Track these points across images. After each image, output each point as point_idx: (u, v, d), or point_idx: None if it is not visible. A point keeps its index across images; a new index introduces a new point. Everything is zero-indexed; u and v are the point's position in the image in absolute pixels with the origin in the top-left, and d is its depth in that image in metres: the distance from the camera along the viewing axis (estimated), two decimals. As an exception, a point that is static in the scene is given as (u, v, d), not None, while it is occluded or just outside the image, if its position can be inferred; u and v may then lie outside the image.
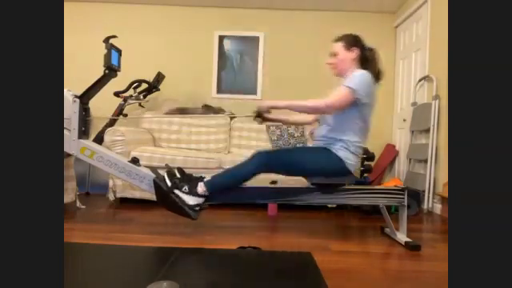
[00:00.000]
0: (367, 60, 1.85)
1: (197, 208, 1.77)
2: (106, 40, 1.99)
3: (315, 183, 1.84)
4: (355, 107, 1.74)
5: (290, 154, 1.81)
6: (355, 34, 1.87)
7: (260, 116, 1.85)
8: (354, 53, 1.83)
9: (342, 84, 1.73)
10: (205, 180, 1.80)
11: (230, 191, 1.83)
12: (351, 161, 1.77)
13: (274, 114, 1.91)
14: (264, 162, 1.74)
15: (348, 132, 1.77)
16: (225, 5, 3.92)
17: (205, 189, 1.77)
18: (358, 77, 1.71)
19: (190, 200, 1.75)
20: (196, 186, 1.78)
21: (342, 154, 1.75)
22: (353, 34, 1.87)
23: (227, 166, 2.69)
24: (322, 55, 3.94)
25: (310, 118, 2.08)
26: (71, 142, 1.95)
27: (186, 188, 1.76)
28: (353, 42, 1.83)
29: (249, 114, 1.90)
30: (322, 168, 1.77)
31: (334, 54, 1.86)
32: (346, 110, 1.74)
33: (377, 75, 1.82)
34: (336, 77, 1.92)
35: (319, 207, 2.80)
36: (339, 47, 1.84)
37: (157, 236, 1.85)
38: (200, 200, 1.78)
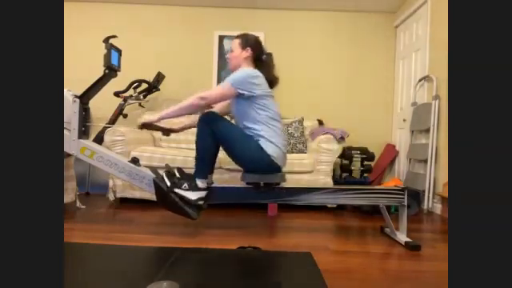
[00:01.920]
0: (261, 62, 1.94)
1: (200, 202, 1.79)
2: (106, 40, 1.99)
3: (249, 183, 1.88)
4: (246, 101, 1.81)
5: (231, 124, 1.83)
6: (255, 35, 1.97)
7: (145, 127, 1.93)
8: (248, 52, 1.91)
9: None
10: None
11: (232, 191, 1.87)
12: (277, 154, 1.81)
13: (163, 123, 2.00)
14: (207, 119, 1.79)
15: (262, 127, 1.81)
16: (225, 5, 3.92)
17: (201, 180, 1.79)
18: (239, 72, 1.80)
19: (193, 195, 1.76)
20: (195, 180, 1.80)
21: (268, 149, 1.79)
22: (252, 34, 1.96)
23: (227, 166, 2.70)
24: (322, 55, 3.95)
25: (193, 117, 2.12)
26: (71, 142, 1.95)
27: (186, 185, 1.77)
28: (248, 42, 1.93)
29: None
30: (251, 155, 1.79)
31: (231, 50, 1.95)
32: (243, 106, 1.82)
33: (271, 80, 1.90)
34: (230, 70, 1.98)
35: (319, 207, 2.80)
36: (236, 44, 1.94)
37: (157, 236, 1.85)
38: (202, 193, 1.79)
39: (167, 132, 2.04)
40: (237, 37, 1.95)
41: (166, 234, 1.89)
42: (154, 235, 1.87)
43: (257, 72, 1.83)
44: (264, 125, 1.81)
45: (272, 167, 1.82)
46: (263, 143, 1.79)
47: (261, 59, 1.95)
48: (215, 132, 1.79)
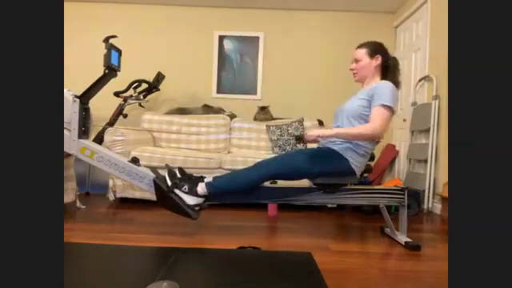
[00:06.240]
0: (389, 68, 1.84)
1: (196, 208, 1.77)
2: (106, 40, 1.99)
3: (317, 183, 1.84)
4: (368, 112, 1.74)
5: (294, 162, 1.75)
6: (379, 41, 1.87)
7: (301, 139, 1.83)
8: (378, 60, 1.82)
9: (376, 104, 1.70)
10: (206, 181, 1.79)
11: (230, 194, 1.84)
12: (357, 162, 1.76)
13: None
14: (268, 174, 1.74)
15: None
16: (225, 5, 3.92)
17: (205, 189, 1.76)
18: (390, 91, 1.70)
19: (190, 200, 1.75)
20: (196, 185, 1.77)
21: (347, 154, 1.75)
22: (377, 41, 1.87)
23: (227, 166, 2.70)
24: (322, 55, 3.96)
25: None
26: (71, 142, 1.95)
27: (186, 188, 1.76)
28: (376, 49, 1.83)
29: (292, 133, 1.89)
30: (326, 170, 1.76)
31: (357, 60, 1.85)
32: (364, 117, 1.75)
33: (396, 85, 1.80)
34: (357, 82, 1.92)
35: (319, 207, 2.80)
36: (362, 53, 1.84)
37: (157, 236, 1.85)
38: (200, 200, 1.78)
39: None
40: (361, 46, 1.86)
41: (166, 234, 1.89)
42: (154, 235, 1.87)
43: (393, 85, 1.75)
44: (366, 141, 1.76)
45: (349, 171, 1.77)
46: (346, 149, 1.74)
47: (388, 65, 1.84)
48: (283, 177, 1.77)
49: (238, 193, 1.80)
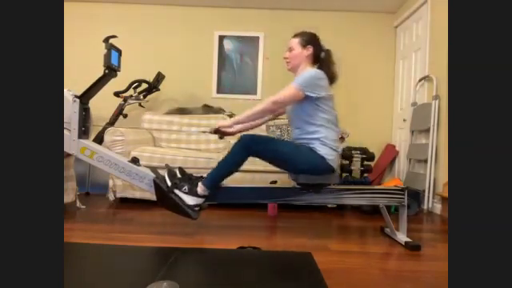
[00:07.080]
0: (321, 59, 1.90)
1: (196, 208, 1.77)
2: (106, 40, 1.99)
3: (300, 183, 1.85)
4: (311, 103, 1.77)
5: (275, 142, 1.81)
6: (313, 32, 1.93)
7: (217, 132, 1.94)
8: (309, 50, 1.87)
9: (293, 81, 1.80)
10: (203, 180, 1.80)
11: (233, 191, 1.85)
12: (332, 156, 1.78)
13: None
14: (249, 144, 1.74)
15: (319, 129, 1.79)
16: (225, 5, 3.92)
17: (204, 188, 1.76)
18: (306, 75, 1.76)
19: (190, 200, 1.75)
20: (196, 186, 1.78)
21: (322, 151, 1.77)
22: (311, 32, 1.92)
23: (227, 166, 2.70)
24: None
25: (265, 118, 2.09)
26: (71, 142, 1.95)
27: (186, 188, 1.76)
28: (309, 39, 1.89)
29: (207, 130, 1.97)
30: (303, 162, 1.77)
31: (290, 49, 1.90)
32: (305, 107, 1.78)
33: (330, 77, 1.85)
34: (289, 71, 1.96)
35: (319, 207, 2.80)
36: (295, 43, 1.89)
37: (157, 236, 1.85)
38: (200, 200, 1.78)
39: (223, 135, 2.01)
40: (295, 35, 1.91)
41: (166, 234, 1.89)
42: (154, 235, 1.87)
43: (322, 73, 1.79)
44: (322, 127, 1.78)
45: (327, 168, 1.79)
46: (318, 146, 1.77)
47: (320, 57, 1.90)
48: (261, 151, 1.77)
49: (231, 173, 1.80)
